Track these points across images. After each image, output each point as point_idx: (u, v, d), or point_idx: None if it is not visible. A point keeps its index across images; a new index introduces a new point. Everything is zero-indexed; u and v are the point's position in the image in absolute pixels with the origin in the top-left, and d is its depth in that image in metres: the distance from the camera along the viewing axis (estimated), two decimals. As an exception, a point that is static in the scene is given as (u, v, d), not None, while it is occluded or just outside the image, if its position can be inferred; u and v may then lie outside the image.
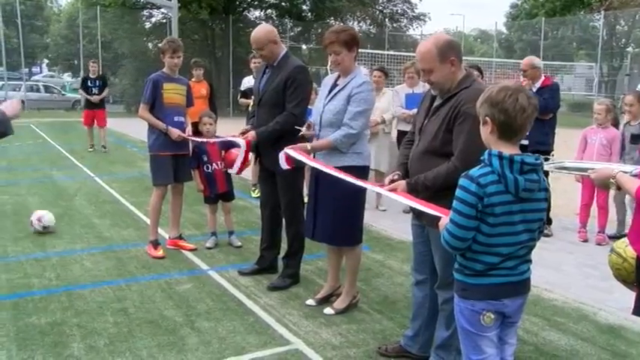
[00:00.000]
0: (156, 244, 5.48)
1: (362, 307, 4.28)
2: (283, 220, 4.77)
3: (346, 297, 4.23)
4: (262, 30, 4.58)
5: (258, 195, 7.67)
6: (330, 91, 4.04)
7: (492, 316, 2.40)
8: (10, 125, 3.25)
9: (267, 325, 3.96)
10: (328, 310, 4.17)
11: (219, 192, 5.74)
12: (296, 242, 4.72)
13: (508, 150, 2.31)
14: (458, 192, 2.32)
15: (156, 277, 4.85)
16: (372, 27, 32.69)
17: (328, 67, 21.53)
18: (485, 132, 2.37)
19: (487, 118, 2.34)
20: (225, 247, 5.73)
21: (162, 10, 26.05)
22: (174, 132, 5.30)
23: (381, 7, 34.11)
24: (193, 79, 8.69)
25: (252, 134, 4.54)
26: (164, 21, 27.27)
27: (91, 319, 4.01)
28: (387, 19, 33.72)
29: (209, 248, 5.66)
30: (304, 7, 31.11)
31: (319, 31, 30.20)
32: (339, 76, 4.07)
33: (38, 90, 28.27)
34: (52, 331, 3.80)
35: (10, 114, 3.26)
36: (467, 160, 2.74)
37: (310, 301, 4.34)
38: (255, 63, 7.74)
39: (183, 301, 4.36)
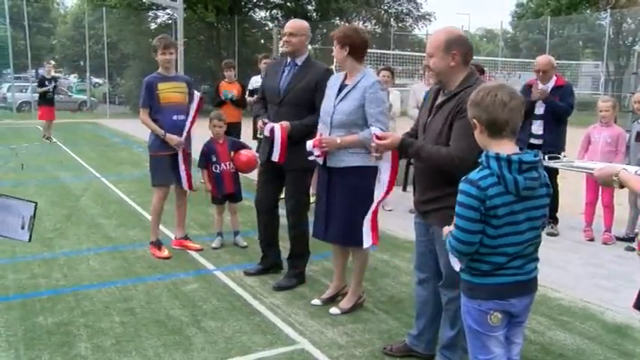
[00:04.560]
0: (159, 244, 5.49)
1: (368, 307, 4.29)
2: (288, 220, 4.72)
3: (352, 297, 4.23)
4: (304, 22, 4.67)
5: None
6: (339, 92, 3.99)
7: (499, 315, 2.40)
8: None
9: (272, 325, 3.97)
10: (334, 310, 4.17)
11: (226, 192, 5.75)
12: (302, 243, 4.72)
13: (503, 147, 2.32)
14: (459, 197, 2.33)
15: (162, 277, 4.86)
16: (377, 27, 32.65)
17: (334, 67, 21.58)
18: (477, 134, 2.41)
19: (474, 120, 2.38)
20: (230, 248, 5.74)
21: (168, 11, 26.13)
22: (173, 139, 5.26)
23: (386, 7, 34.08)
24: (225, 80, 8.73)
25: (286, 123, 4.38)
26: (169, 22, 27.32)
27: (98, 318, 4.03)
28: (392, 19, 33.67)
29: (215, 248, 5.68)
30: (309, 7, 31.13)
31: (324, 31, 30.19)
32: (345, 76, 4.05)
33: (44, 91, 28.37)
34: (59, 331, 3.82)
35: None
36: (462, 157, 2.83)
37: (316, 301, 4.34)
38: (265, 62, 7.77)
39: (189, 300, 4.37)
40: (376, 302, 4.40)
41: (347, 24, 31.87)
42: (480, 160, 2.34)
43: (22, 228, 3.08)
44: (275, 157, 4.44)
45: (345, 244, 4.20)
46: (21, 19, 26.49)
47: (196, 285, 4.70)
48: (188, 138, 5.47)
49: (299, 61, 4.52)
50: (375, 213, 3.69)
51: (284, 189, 4.73)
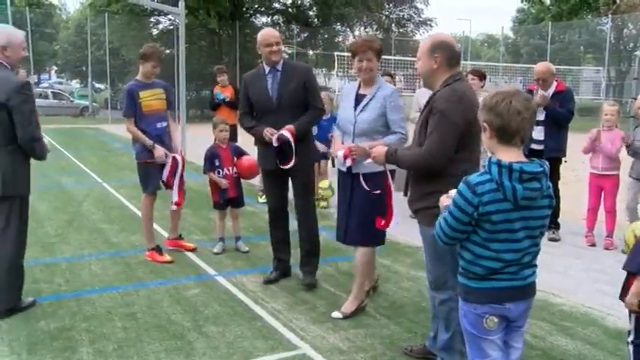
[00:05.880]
0: (158, 249, 5.50)
1: (369, 312, 4.29)
2: (299, 221, 4.84)
3: (355, 300, 4.24)
4: (274, 30, 4.84)
5: (265, 200, 7.72)
6: (357, 102, 4.07)
7: (495, 319, 2.41)
8: (46, 154, 4.23)
9: (274, 330, 3.97)
10: (336, 314, 4.18)
11: (228, 197, 5.76)
12: (317, 241, 4.86)
13: (509, 155, 2.31)
14: (456, 196, 2.37)
15: (164, 282, 4.87)
16: (378, 32, 32.71)
17: (335, 73, 21.55)
18: (485, 137, 2.41)
19: (485, 124, 2.37)
20: (232, 253, 5.75)
21: (170, 16, 26.21)
22: (159, 151, 5.25)
23: (387, 13, 34.15)
24: (219, 85, 8.77)
25: (291, 127, 4.51)
26: (171, 27, 27.42)
27: (100, 323, 4.04)
28: (393, 25, 33.73)
29: (216, 253, 5.68)
30: (311, 13, 31.23)
31: (325, 36, 30.31)
32: (359, 86, 4.12)
33: (47, 97, 28.49)
34: (61, 336, 3.83)
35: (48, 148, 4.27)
36: (434, 153, 3.02)
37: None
38: None
39: (190, 305, 4.38)
40: (378, 307, 4.40)
41: (349, 30, 32.10)
42: (483, 164, 2.36)
43: None
44: (291, 163, 4.54)
45: (362, 244, 4.21)
46: (24, 25, 26.60)
47: (198, 290, 4.71)
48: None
49: (279, 66, 4.66)
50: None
51: (292, 190, 4.83)
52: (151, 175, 5.37)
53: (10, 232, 4.07)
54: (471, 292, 2.43)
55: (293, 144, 4.49)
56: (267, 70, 4.69)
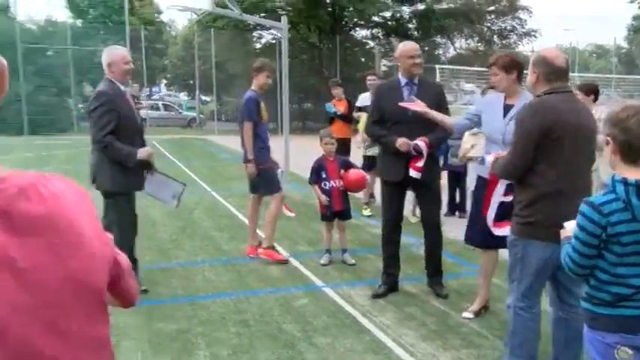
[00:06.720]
0: (274, 249, 5.86)
1: (481, 332, 4.18)
2: (429, 238, 4.90)
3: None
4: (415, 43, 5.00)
5: (370, 214, 7.72)
6: (505, 112, 4.16)
7: (630, 351, 2.25)
8: (130, 161, 4.59)
9: (383, 345, 3.96)
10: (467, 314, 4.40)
11: (335, 210, 5.82)
12: (439, 260, 4.94)
13: (632, 173, 2.18)
14: (579, 218, 2.26)
15: (273, 291, 4.99)
16: (480, 44, 32.02)
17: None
18: (609, 152, 2.29)
19: (608, 138, 2.25)
20: (339, 265, 5.79)
21: (272, 31, 27.03)
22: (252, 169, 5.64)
23: (489, 24, 33.32)
24: (335, 99, 8.92)
25: (425, 139, 4.60)
26: (273, 42, 28.25)
27: (215, 328, 4.20)
28: (495, 36, 32.86)
29: (323, 265, 5.75)
30: (410, 25, 31.07)
31: (426, 49, 29.95)
32: (505, 97, 4.22)
33: (158, 108, 30.21)
34: (180, 338, 4.02)
35: (140, 156, 4.64)
36: (513, 160, 3.19)
37: (467, 314, 4.44)
38: (370, 80, 7.90)
39: (300, 315, 4.45)
40: (490, 327, 4.26)
41: (449, 42, 31.60)
42: (606, 183, 2.25)
43: (173, 198, 4.99)
44: (418, 175, 4.61)
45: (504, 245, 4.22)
46: (138, 42, 28.40)
47: (306, 300, 4.78)
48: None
49: (415, 79, 4.72)
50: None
51: (419, 207, 4.96)
52: (273, 177, 5.75)
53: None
54: (597, 318, 2.30)
55: (425, 155, 4.57)
56: (403, 82, 4.74)
